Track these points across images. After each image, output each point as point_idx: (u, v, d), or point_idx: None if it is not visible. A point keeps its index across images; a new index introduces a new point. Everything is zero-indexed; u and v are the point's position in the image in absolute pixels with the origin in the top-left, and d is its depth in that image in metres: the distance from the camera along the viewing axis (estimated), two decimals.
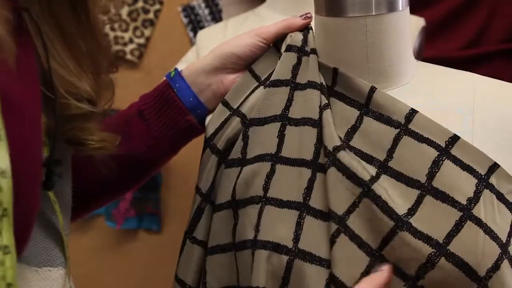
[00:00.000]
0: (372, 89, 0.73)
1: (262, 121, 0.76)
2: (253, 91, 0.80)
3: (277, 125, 0.75)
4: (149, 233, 1.94)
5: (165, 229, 1.93)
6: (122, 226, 1.90)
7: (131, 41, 1.87)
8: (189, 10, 1.88)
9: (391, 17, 0.73)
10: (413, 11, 1.03)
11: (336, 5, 0.73)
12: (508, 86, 0.77)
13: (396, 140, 0.71)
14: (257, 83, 0.81)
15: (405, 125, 0.71)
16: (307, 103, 0.75)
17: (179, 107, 0.84)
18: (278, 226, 0.70)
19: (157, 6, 1.88)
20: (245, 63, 0.83)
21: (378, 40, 0.74)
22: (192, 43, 1.86)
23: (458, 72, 0.79)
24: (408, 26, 0.77)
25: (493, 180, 0.68)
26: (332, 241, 0.67)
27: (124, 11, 1.86)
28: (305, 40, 0.79)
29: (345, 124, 0.74)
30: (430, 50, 1.51)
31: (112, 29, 1.85)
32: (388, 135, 0.71)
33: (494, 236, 0.66)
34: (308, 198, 0.70)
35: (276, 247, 0.68)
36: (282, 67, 0.78)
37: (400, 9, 0.74)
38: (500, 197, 0.69)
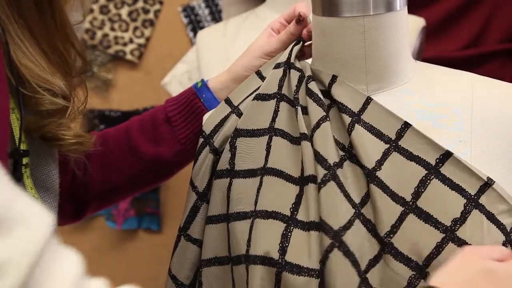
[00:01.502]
0: (368, 100, 0.73)
1: (250, 133, 0.77)
2: (255, 90, 0.81)
3: (266, 138, 0.75)
4: (149, 233, 1.95)
5: (165, 229, 1.93)
6: (122, 226, 1.90)
7: (131, 41, 1.87)
8: (189, 10, 1.88)
9: (389, 16, 0.73)
10: (413, 11, 1.03)
11: (333, 5, 0.73)
12: (508, 86, 0.76)
13: (385, 155, 0.70)
14: (262, 82, 0.82)
15: (396, 141, 0.71)
16: (293, 119, 0.75)
17: None
18: (265, 238, 0.69)
19: (157, 6, 1.88)
20: None
21: (375, 40, 0.73)
22: (192, 43, 1.86)
23: (457, 72, 0.79)
24: (406, 26, 0.77)
25: (483, 200, 0.67)
26: (325, 255, 0.66)
27: (124, 11, 1.86)
28: (291, 53, 0.80)
29: (337, 130, 0.74)
30: (430, 50, 1.51)
31: (112, 29, 1.85)
32: (378, 148, 0.71)
33: None
34: (295, 213, 0.70)
35: (264, 260, 0.68)
36: (269, 82, 0.79)
37: (398, 8, 0.74)
38: (491, 217, 0.67)
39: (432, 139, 0.70)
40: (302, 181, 0.71)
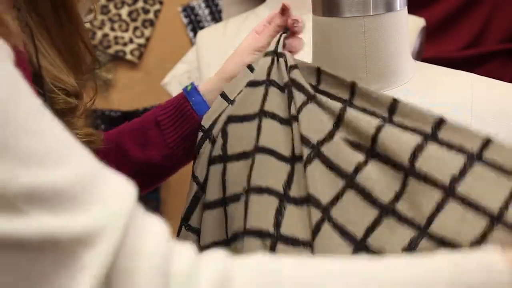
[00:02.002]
0: (354, 86, 0.73)
1: (240, 118, 0.78)
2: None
3: (256, 122, 0.77)
4: None
5: None
6: None
7: (131, 41, 1.87)
8: (189, 10, 1.88)
9: (389, 17, 0.73)
10: (413, 11, 1.03)
11: (334, 5, 0.73)
12: (508, 86, 0.77)
13: (380, 128, 0.70)
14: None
15: (389, 117, 0.70)
16: (283, 102, 0.76)
17: (195, 120, 0.89)
18: (259, 212, 0.71)
19: (157, 6, 1.88)
20: None
21: (376, 40, 0.74)
22: (192, 43, 1.86)
23: (456, 73, 0.79)
24: (406, 26, 0.77)
25: (486, 154, 0.66)
26: (316, 228, 0.68)
27: (124, 11, 1.87)
28: (278, 42, 0.82)
29: (329, 115, 0.74)
30: (430, 50, 1.51)
31: (112, 29, 1.86)
32: (371, 125, 0.70)
33: (482, 211, 0.64)
34: (288, 189, 0.71)
35: (259, 234, 0.70)
36: (259, 70, 0.80)
37: (398, 9, 0.74)
38: (494, 169, 0.65)
39: (423, 109, 0.69)
40: (292, 159, 0.73)
